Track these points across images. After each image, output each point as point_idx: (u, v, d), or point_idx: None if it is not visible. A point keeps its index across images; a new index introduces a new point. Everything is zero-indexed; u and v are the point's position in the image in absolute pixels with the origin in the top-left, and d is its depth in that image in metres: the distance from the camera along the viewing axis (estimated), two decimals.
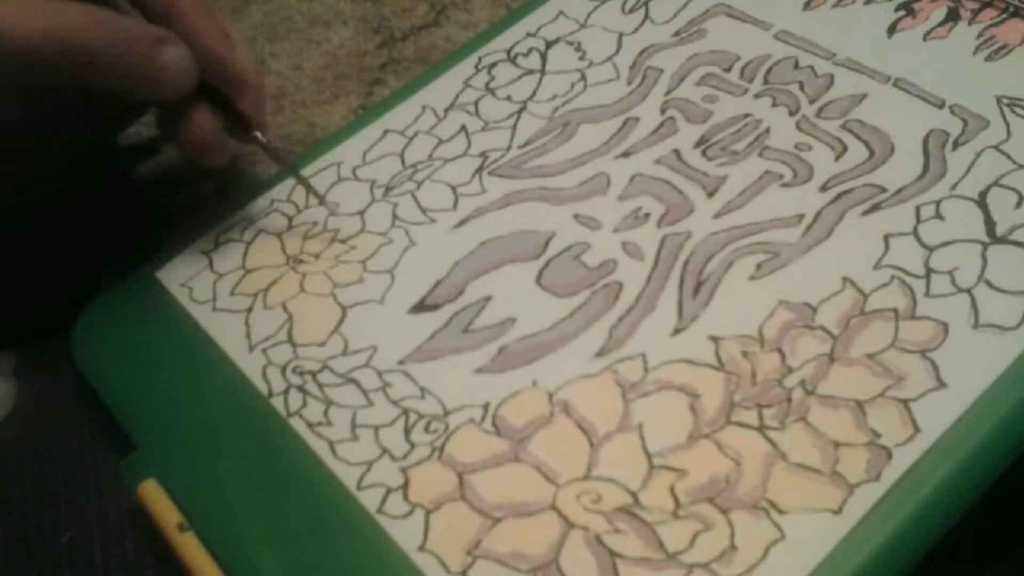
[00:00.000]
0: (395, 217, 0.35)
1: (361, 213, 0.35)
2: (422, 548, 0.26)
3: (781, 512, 0.25)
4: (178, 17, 0.33)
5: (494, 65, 0.39)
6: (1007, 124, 0.32)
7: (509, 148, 0.36)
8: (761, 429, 0.27)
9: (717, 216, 0.32)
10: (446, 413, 0.29)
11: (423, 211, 0.35)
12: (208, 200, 0.40)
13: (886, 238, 0.30)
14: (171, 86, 0.32)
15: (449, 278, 0.32)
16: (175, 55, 0.32)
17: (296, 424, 0.30)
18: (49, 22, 0.29)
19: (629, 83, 0.37)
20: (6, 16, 0.29)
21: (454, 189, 0.35)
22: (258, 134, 0.34)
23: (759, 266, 0.30)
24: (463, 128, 0.37)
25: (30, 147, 0.35)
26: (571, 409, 0.28)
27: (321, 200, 0.35)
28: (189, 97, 0.33)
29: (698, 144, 0.34)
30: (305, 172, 0.37)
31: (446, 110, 0.38)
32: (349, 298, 0.33)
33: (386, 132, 0.38)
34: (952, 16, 0.36)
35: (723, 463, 0.26)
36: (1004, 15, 0.36)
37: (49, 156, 0.36)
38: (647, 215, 0.33)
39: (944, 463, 0.25)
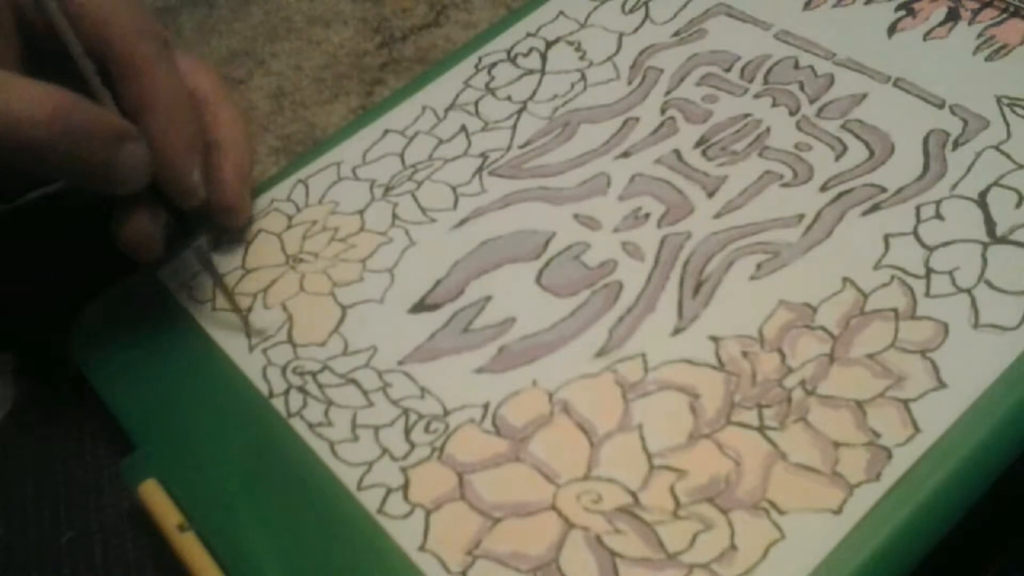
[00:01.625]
0: (395, 217, 0.35)
1: (361, 212, 0.35)
2: (422, 548, 0.26)
3: (781, 512, 0.25)
4: (148, 114, 0.31)
5: (494, 65, 0.39)
6: (1007, 124, 0.32)
7: (509, 148, 0.36)
8: (761, 429, 0.27)
9: (717, 216, 0.32)
10: (446, 413, 0.29)
11: (423, 211, 0.35)
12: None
13: (886, 238, 0.30)
14: (122, 185, 0.31)
15: (449, 278, 0.32)
16: (131, 155, 0.31)
17: (296, 424, 0.30)
18: (6, 107, 0.28)
19: (629, 83, 0.37)
20: None
21: (454, 189, 0.35)
22: (201, 243, 0.35)
23: (759, 266, 0.30)
24: (463, 128, 0.37)
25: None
26: (571, 409, 0.28)
27: (242, 316, 0.33)
28: (133, 198, 0.32)
29: (698, 144, 0.34)
30: (305, 172, 0.37)
31: (446, 110, 0.38)
32: (349, 298, 0.33)
33: (386, 132, 0.38)
34: (952, 16, 0.36)
35: (723, 463, 0.26)
36: (1004, 15, 0.36)
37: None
38: (647, 215, 0.33)
39: (944, 463, 0.25)
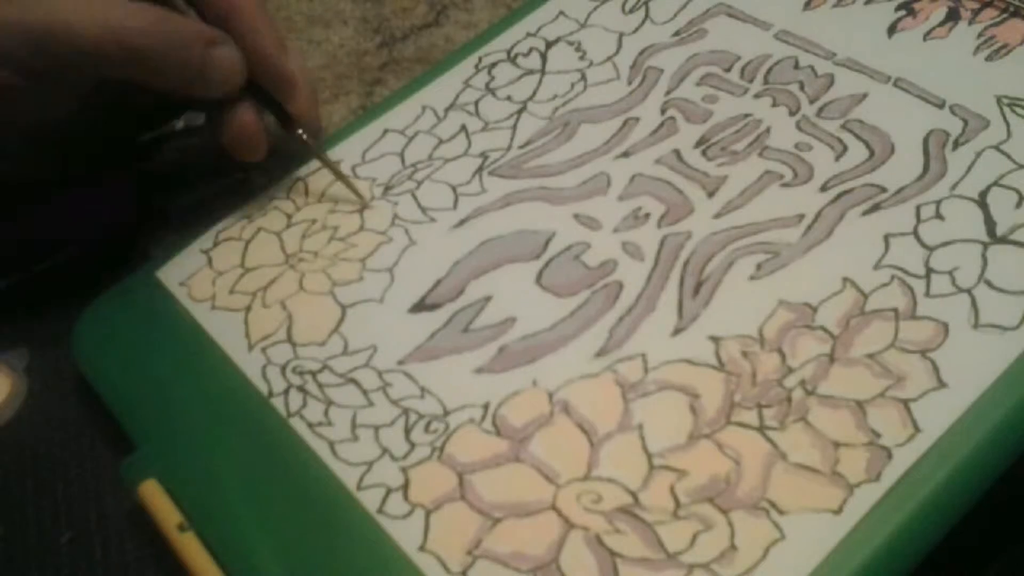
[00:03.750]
0: (395, 216, 0.35)
1: (360, 211, 0.35)
2: (422, 548, 0.26)
3: (781, 512, 0.25)
4: (235, 19, 0.34)
5: (494, 65, 0.39)
6: (1007, 124, 0.32)
7: (509, 148, 0.36)
8: (761, 429, 0.27)
9: (717, 216, 0.32)
10: (446, 413, 0.29)
11: (423, 210, 0.35)
12: (208, 199, 0.40)
13: (886, 238, 0.30)
14: (220, 85, 0.34)
15: (449, 277, 0.32)
16: (227, 56, 0.34)
17: (296, 424, 0.30)
18: (112, 20, 0.31)
19: (629, 83, 0.37)
20: (73, 12, 0.31)
21: (454, 189, 0.35)
22: (301, 132, 0.36)
23: (759, 266, 0.30)
24: (463, 128, 0.37)
25: (67, 141, 0.36)
26: (571, 409, 0.28)
27: (360, 197, 0.35)
28: (236, 95, 0.35)
29: (698, 144, 0.34)
30: (304, 171, 0.37)
31: (446, 110, 0.38)
32: (349, 297, 0.33)
33: (386, 131, 0.38)
34: (952, 16, 0.36)
35: (723, 463, 0.26)
36: (1004, 15, 0.36)
37: (83, 151, 0.37)
38: (647, 215, 0.33)
39: (944, 463, 0.25)
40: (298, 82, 0.36)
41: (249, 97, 0.35)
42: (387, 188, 0.36)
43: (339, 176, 0.36)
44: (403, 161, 0.37)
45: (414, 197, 0.35)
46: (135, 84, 0.33)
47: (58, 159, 0.36)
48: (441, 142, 0.37)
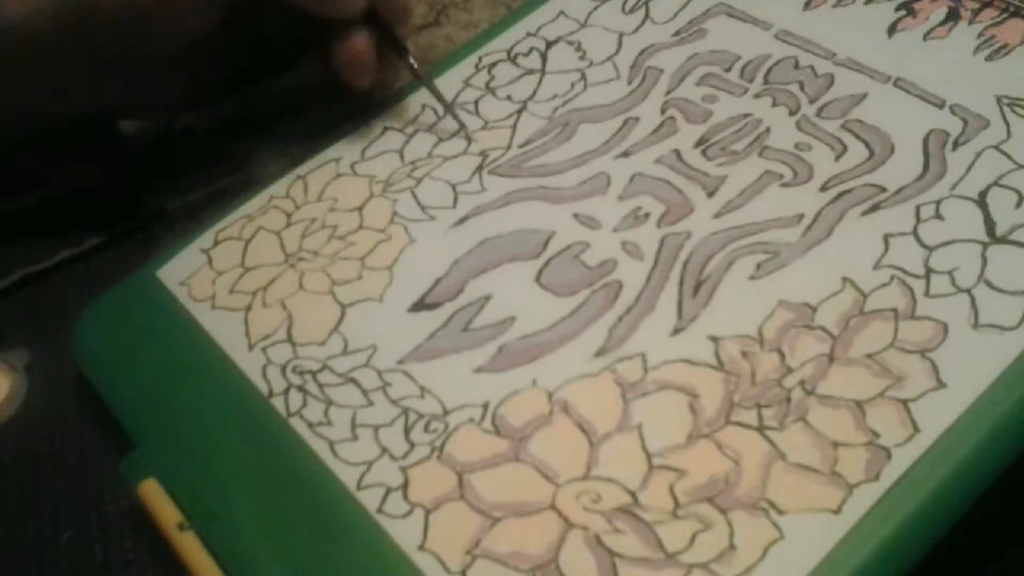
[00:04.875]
0: (394, 214, 0.35)
1: (360, 209, 0.35)
2: (422, 548, 0.26)
3: (780, 512, 0.25)
4: None
5: (494, 65, 0.39)
6: (1007, 124, 0.32)
7: (509, 147, 0.36)
8: (760, 429, 0.27)
9: (717, 216, 0.32)
10: (446, 413, 0.29)
11: (422, 208, 0.35)
12: (208, 199, 0.40)
13: (886, 238, 0.30)
14: (351, 6, 0.36)
15: (448, 276, 0.32)
16: None
17: (296, 424, 0.30)
18: None
19: (629, 83, 0.37)
20: None
21: (454, 187, 0.35)
22: (411, 59, 0.38)
23: (759, 266, 0.30)
24: (463, 126, 0.37)
25: (200, 68, 0.38)
26: (571, 409, 0.28)
27: (464, 127, 0.37)
28: (354, 21, 0.37)
29: (698, 144, 0.34)
30: (304, 169, 0.37)
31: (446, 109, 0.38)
32: (348, 296, 0.33)
33: (385, 129, 0.38)
34: (952, 16, 0.36)
35: (722, 463, 0.26)
36: (1004, 15, 0.36)
37: (215, 78, 0.40)
38: (647, 215, 0.33)
39: (944, 463, 0.25)
40: (410, 9, 0.38)
41: (366, 24, 0.37)
42: (386, 185, 0.36)
43: (444, 104, 0.37)
44: (402, 158, 0.37)
45: (413, 195, 0.35)
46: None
47: (188, 86, 0.39)
48: (441, 140, 0.37)
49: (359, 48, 0.37)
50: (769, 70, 0.36)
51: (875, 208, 0.31)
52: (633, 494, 0.26)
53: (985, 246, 0.29)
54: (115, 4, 0.34)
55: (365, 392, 0.30)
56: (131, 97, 0.38)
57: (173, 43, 0.36)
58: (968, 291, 0.28)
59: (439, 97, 0.38)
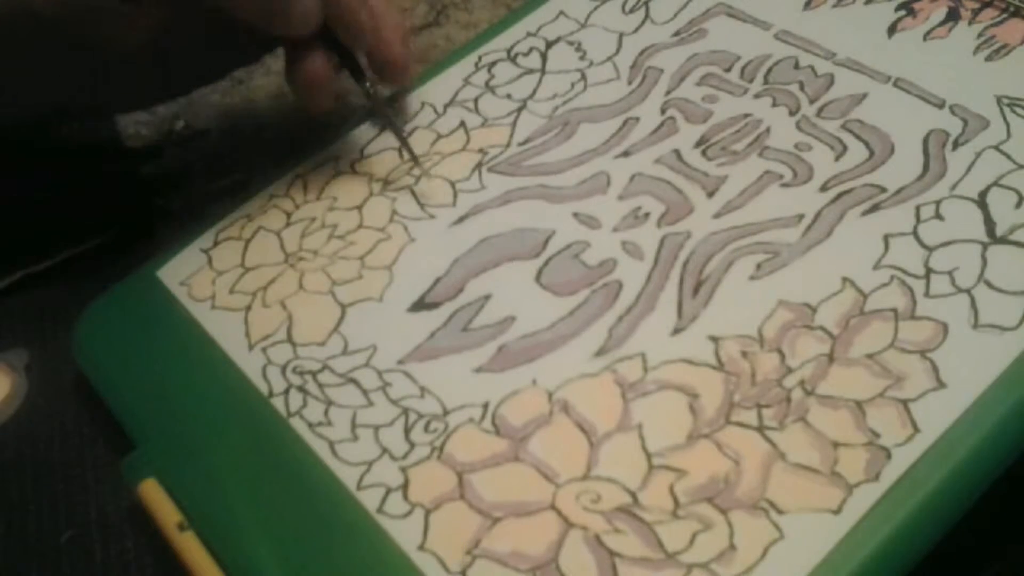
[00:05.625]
0: (394, 212, 0.35)
1: (359, 208, 0.35)
2: (422, 548, 0.26)
3: (780, 512, 0.25)
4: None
5: (494, 64, 0.39)
6: (1007, 124, 0.32)
7: (508, 145, 0.36)
8: (760, 429, 0.27)
9: (717, 216, 0.32)
10: (446, 412, 0.29)
11: (422, 207, 0.35)
12: (208, 199, 0.40)
13: (886, 238, 0.30)
14: (299, 24, 0.34)
15: (448, 276, 0.32)
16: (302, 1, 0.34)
17: (296, 424, 0.30)
18: None
19: (629, 83, 0.37)
20: None
21: (453, 185, 0.35)
22: (369, 85, 0.36)
23: (759, 266, 0.30)
24: (462, 124, 0.37)
25: (168, 64, 0.37)
26: (570, 408, 0.28)
27: (417, 162, 0.36)
28: (311, 39, 0.35)
29: (698, 144, 0.34)
30: (303, 168, 0.37)
31: (445, 106, 0.38)
32: (348, 296, 0.33)
33: (384, 127, 0.38)
34: (952, 16, 0.36)
35: (722, 463, 0.26)
36: (1004, 15, 0.36)
37: (174, 82, 0.39)
38: (647, 215, 0.33)
39: (943, 463, 0.25)
40: (383, 39, 0.36)
41: (325, 44, 0.35)
42: (386, 183, 0.36)
43: (399, 137, 0.36)
44: (401, 155, 0.37)
45: (413, 193, 0.35)
46: (220, 11, 0.34)
47: (156, 82, 0.38)
48: (440, 137, 0.37)
49: (314, 72, 0.35)
50: (769, 70, 0.36)
51: (875, 208, 0.31)
52: (633, 494, 0.26)
53: (985, 246, 0.29)
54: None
55: (365, 392, 0.30)
56: (92, 91, 0.38)
57: (134, 45, 0.35)
58: (968, 291, 0.28)
59: (394, 128, 0.36)
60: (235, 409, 0.31)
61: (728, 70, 0.36)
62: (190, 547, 0.28)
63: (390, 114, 0.37)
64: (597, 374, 0.29)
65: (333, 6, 0.34)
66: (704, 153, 0.34)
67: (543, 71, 0.39)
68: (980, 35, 0.35)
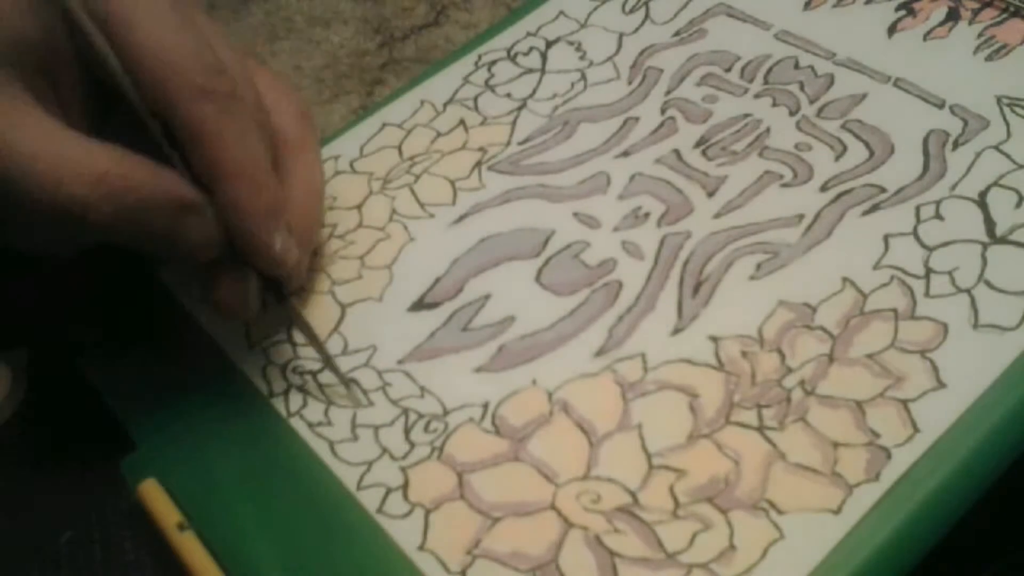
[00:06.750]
0: (393, 211, 0.35)
1: (359, 207, 0.35)
2: (422, 548, 0.26)
3: (780, 512, 0.25)
4: (220, 183, 0.28)
5: (494, 63, 0.39)
6: (1007, 124, 0.32)
7: (508, 144, 0.36)
8: (760, 429, 0.27)
9: (717, 216, 0.32)
10: (446, 412, 0.29)
11: (421, 206, 0.35)
12: None
13: (886, 238, 0.30)
14: (190, 255, 0.29)
15: (448, 275, 0.32)
16: (196, 227, 0.28)
17: (296, 424, 0.30)
18: (44, 167, 0.26)
19: (629, 83, 0.37)
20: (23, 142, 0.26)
21: (453, 184, 0.35)
22: (290, 302, 0.31)
23: (759, 266, 0.30)
24: (462, 122, 0.37)
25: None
26: (570, 408, 0.28)
27: (345, 383, 0.30)
28: (217, 259, 0.30)
29: (698, 144, 0.34)
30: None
31: (445, 104, 0.38)
32: (348, 296, 0.33)
33: (384, 125, 0.38)
34: (952, 16, 0.36)
35: (722, 463, 0.26)
36: (1004, 15, 0.36)
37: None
38: (647, 214, 0.33)
39: (944, 463, 0.25)
40: (286, 265, 0.30)
41: (231, 262, 0.30)
42: (385, 181, 0.36)
43: (325, 358, 0.31)
44: (401, 153, 0.37)
45: (412, 192, 0.35)
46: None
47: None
48: (439, 135, 0.37)
49: (224, 297, 0.30)
50: (769, 70, 0.36)
51: (875, 208, 0.31)
52: (633, 494, 0.26)
53: (985, 246, 0.29)
54: None
55: (365, 392, 0.30)
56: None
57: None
58: (968, 291, 0.28)
59: (319, 348, 0.31)
60: (235, 409, 0.31)
61: (728, 70, 0.36)
62: (190, 547, 0.28)
63: (316, 335, 0.31)
64: (597, 374, 0.29)
65: (238, 236, 0.29)
66: (704, 153, 0.34)
67: (543, 71, 0.39)
68: (980, 35, 0.35)
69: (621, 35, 0.39)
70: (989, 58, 0.34)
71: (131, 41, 0.28)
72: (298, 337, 0.32)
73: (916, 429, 0.26)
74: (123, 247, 0.29)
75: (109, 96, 0.29)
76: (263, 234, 0.29)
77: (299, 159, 0.32)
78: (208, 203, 0.28)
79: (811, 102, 0.35)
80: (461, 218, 0.34)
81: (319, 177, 0.33)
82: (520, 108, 0.37)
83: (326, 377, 0.31)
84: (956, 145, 0.32)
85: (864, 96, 0.34)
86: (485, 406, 0.29)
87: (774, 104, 0.35)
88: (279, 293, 0.31)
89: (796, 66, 0.36)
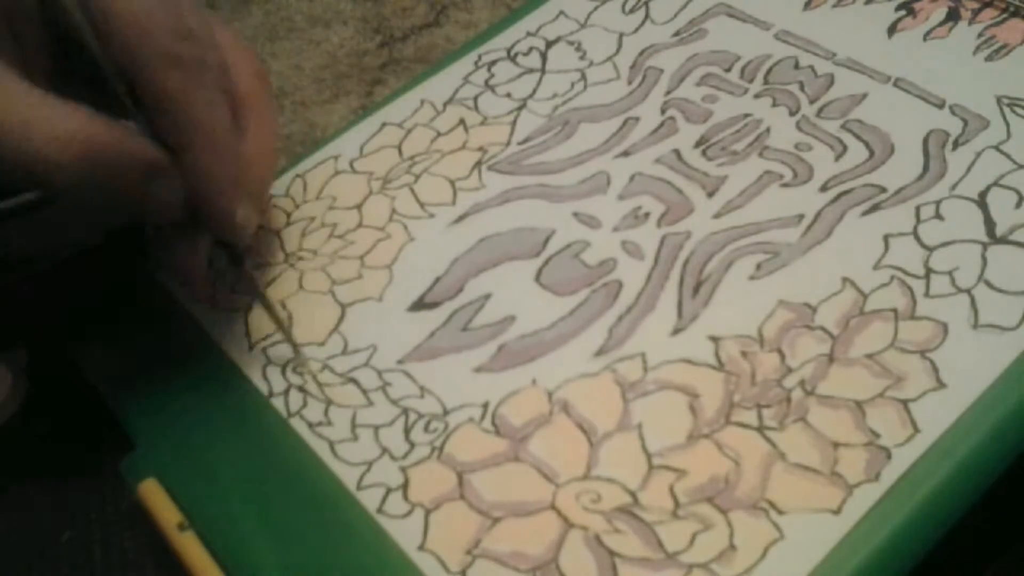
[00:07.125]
0: (393, 211, 0.35)
1: (359, 207, 0.35)
2: (422, 548, 0.26)
3: (780, 512, 0.25)
4: (186, 150, 0.29)
5: (494, 63, 0.39)
6: (1007, 124, 0.32)
7: (508, 144, 0.36)
8: (760, 429, 0.27)
9: (717, 216, 0.32)
10: (446, 412, 0.29)
11: (421, 205, 0.35)
12: None
13: (886, 238, 0.30)
14: (155, 217, 0.30)
15: (448, 275, 0.32)
16: (162, 189, 0.29)
17: (296, 424, 0.30)
18: (22, 132, 0.26)
19: (629, 83, 0.37)
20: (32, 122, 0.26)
21: (452, 183, 0.35)
22: (247, 270, 0.32)
23: (759, 266, 0.30)
24: (462, 121, 0.37)
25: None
26: (570, 408, 0.28)
27: (297, 352, 0.31)
28: (179, 223, 0.30)
29: (698, 144, 0.34)
30: (303, 167, 0.37)
31: (445, 104, 0.38)
32: (348, 296, 0.33)
33: (384, 125, 0.38)
34: (952, 16, 0.36)
35: (722, 463, 0.26)
36: (1004, 15, 0.36)
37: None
38: (647, 214, 0.33)
39: (943, 463, 0.25)
40: (246, 233, 0.31)
41: (193, 227, 0.30)
42: (385, 182, 0.36)
43: (279, 325, 0.31)
44: (400, 153, 0.37)
45: (412, 191, 0.35)
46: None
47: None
48: (439, 135, 0.37)
49: (181, 260, 0.31)
50: (769, 70, 0.36)
51: (875, 208, 0.31)
52: (633, 494, 0.26)
53: (985, 246, 0.29)
54: None
55: (365, 392, 0.30)
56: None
57: None
58: (968, 291, 0.28)
59: (280, 324, 0.31)
60: (235, 409, 0.31)
61: (728, 70, 0.36)
62: (190, 547, 0.28)
63: (273, 305, 0.32)
64: (597, 374, 0.29)
65: (202, 201, 0.30)
66: (704, 153, 0.34)
67: (543, 71, 0.39)
68: (980, 35, 0.35)
69: (621, 35, 0.39)
70: (989, 58, 0.34)
71: (101, 4, 0.28)
72: (298, 336, 0.32)
73: (916, 429, 0.26)
74: (88, 209, 0.29)
75: (70, 56, 0.29)
76: (225, 202, 0.30)
77: (254, 118, 0.32)
78: (172, 166, 0.29)
79: (811, 102, 0.35)
80: (461, 218, 0.34)
81: (272, 137, 0.33)
82: (520, 108, 0.37)
83: (326, 377, 0.31)
84: (956, 145, 0.32)
85: (864, 96, 0.34)
86: (485, 406, 0.29)
87: (774, 104, 0.35)
88: (235, 256, 0.31)
89: (796, 66, 0.36)
